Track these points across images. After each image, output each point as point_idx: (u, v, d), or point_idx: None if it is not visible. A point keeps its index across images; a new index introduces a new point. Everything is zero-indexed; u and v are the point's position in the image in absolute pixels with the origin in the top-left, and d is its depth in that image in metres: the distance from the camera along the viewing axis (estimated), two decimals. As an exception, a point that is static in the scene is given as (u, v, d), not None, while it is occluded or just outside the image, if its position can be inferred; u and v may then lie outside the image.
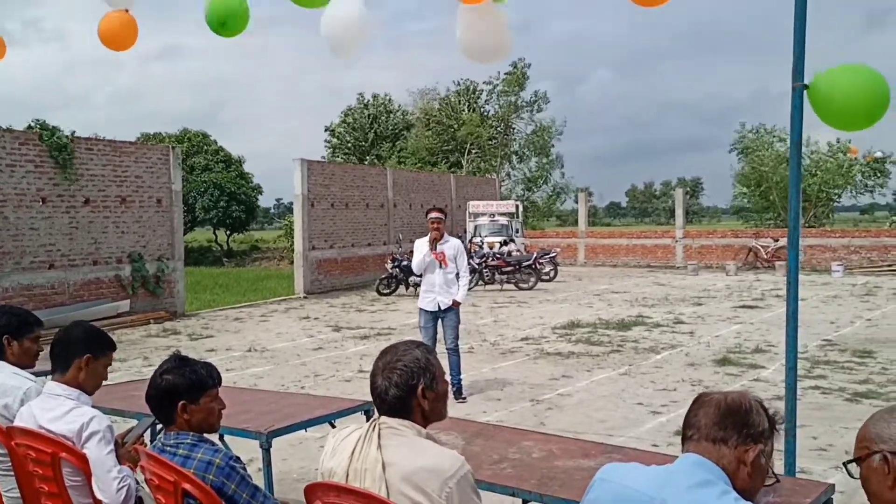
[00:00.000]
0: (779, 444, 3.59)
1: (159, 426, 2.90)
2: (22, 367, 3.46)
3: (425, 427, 2.24)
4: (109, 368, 3.26)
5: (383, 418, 2.24)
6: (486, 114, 41.55)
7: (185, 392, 2.67)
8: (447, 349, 7.91)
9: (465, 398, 7.97)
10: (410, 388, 2.22)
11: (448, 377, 2.44)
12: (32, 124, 13.85)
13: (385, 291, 18.58)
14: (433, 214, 8.00)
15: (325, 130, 44.02)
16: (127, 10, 4.98)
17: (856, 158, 32.10)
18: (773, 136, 34.24)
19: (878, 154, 32.70)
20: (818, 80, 3.63)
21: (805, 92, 3.76)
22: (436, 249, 7.91)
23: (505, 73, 40.66)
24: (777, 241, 25.37)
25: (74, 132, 13.89)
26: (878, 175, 33.74)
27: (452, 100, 42.12)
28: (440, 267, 7.90)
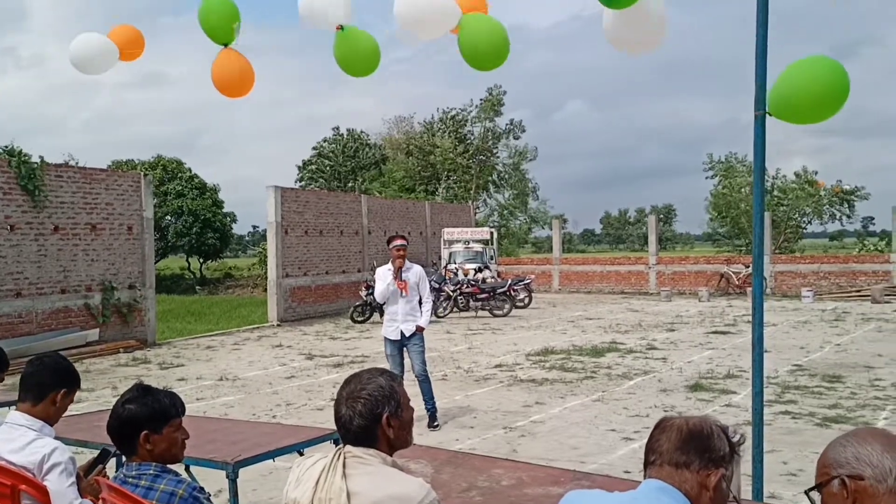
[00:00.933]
0: (745, 468, 3.60)
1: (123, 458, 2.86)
2: None
3: (391, 455, 2.22)
4: (76, 399, 3.24)
5: (348, 447, 2.21)
6: (466, 139, 41.79)
7: (147, 422, 2.63)
8: (416, 377, 7.85)
9: (437, 425, 7.92)
10: (375, 416, 2.19)
11: (414, 404, 2.40)
12: (2, 150, 13.66)
13: (359, 319, 18.49)
14: (397, 242, 7.95)
15: (299, 169, 44.37)
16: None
17: (824, 190, 32.78)
18: (743, 165, 34.86)
19: (847, 187, 33.43)
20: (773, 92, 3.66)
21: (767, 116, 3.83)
22: (400, 278, 7.88)
23: (480, 100, 41.02)
24: (748, 267, 25.65)
25: (43, 158, 13.76)
26: (846, 204, 34.40)
27: (435, 126, 42.41)
28: (402, 295, 7.87)
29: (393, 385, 2.25)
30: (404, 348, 7.93)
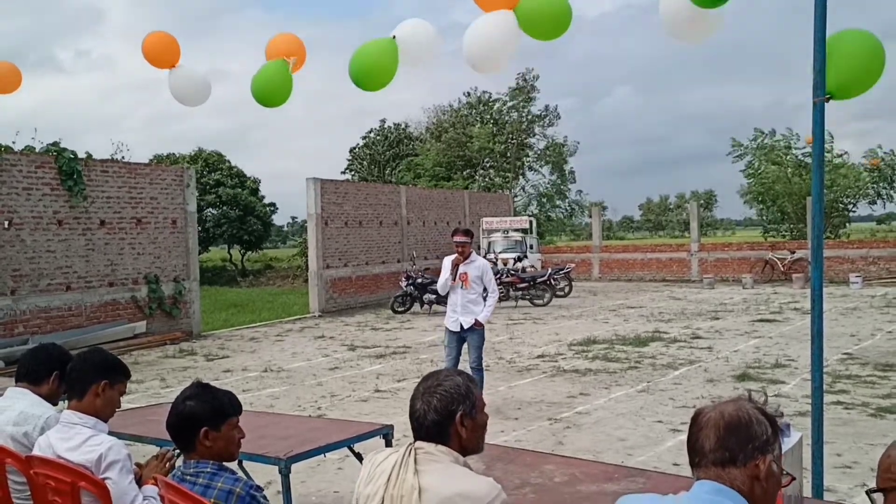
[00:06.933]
0: (804, 463, 3.51)
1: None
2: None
3: (463, 456, 2.22)
4: (127, 391, 3.27)
5: (419, 443, 2.22)
6: (500, 124, 41.38)
7: (207, 419, 2.66)
8: (470, 367, 7.90)
9: (482, 417, 7.91)
10: (449, 413, 2.20)
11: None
12: (50, 147, 13.92)
13: (400, 309, 18.56)
14: (458, 238, 7.94)
15: (350, 151, 45.23)
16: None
17: (876, 168, 31.69)
18: (779, 146, 33.46)
19: (884, 155, 32.08)
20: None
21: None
22: (457, 273, 7.89)
23: (513, 89, 40.47)
24: (793, 252, 25.16)
25: (89, 153, 14.00)
26: (887, 183, 33.04)
27: (464, 112, 42.14)
28: (462, 287, 7.89)
29: (470, 386, 2.27)
30: (464, 340, 7.96)
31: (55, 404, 3.46)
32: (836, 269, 24.30)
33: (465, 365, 8.21)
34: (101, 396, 3.10)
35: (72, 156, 13.51)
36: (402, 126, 44.50)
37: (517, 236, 24.63)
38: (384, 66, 4.54)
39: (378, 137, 44.12)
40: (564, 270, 20.83)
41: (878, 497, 1.66)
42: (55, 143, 14.05)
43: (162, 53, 5.34)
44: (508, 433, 7.32)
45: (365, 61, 4.51)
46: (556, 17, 4.32)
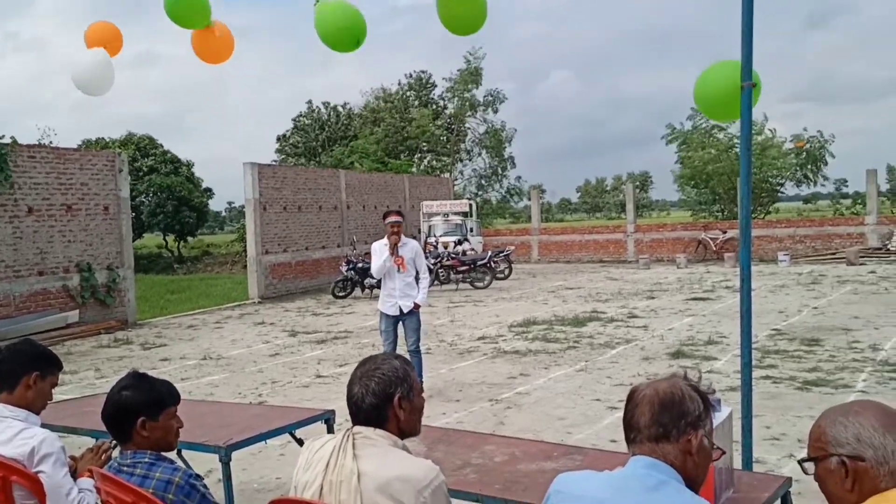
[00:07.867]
0: (734, 436, 3.65)
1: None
2: None
3: (401, 439, 2.23)
4: (60, 382, 3.20)
5: (357, 428, 2.22)
6: (441, 107, 41.21)
7: (144, 408, 2.61)
8: (409, 351, 7.90)
9: (424, 400, 7.96)
10: (387, 396, 2.21)
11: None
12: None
13: (340, 294, 18.48)
14: (392, 218, 7.86)
15: (277, 140, 44.28)
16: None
17: (801, 150, 32.63)
18: (705, 134, 34.07)
19: (809, 139, 33.03)
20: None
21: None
22: (396, 254, 7.85)
23: (458, 70, 40.33)
24: (725, 232, 25.88)
25: (15, 139, 13.51)
26: (814, 164, 34.04)
27: (402, 94, 41.88)
28: (399, 271, 7.86)
29: (407, 369, 2.28)
30: (400, 323, 7.94)
31: None
32: (765, 248, 25.11)
33: (402, 349, 8.25)
34: (32, 389, 3.03)
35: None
36: (344, 104, 43.96)
37: (457, 219, 24.73)
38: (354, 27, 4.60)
39: (308, 122, 43.37)
40: (504, 253, 21.01)
41: (810, 466, 1.73)
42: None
43: (105, 42, 5.23)
44: (450, 415, 7.39)
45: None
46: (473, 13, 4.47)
